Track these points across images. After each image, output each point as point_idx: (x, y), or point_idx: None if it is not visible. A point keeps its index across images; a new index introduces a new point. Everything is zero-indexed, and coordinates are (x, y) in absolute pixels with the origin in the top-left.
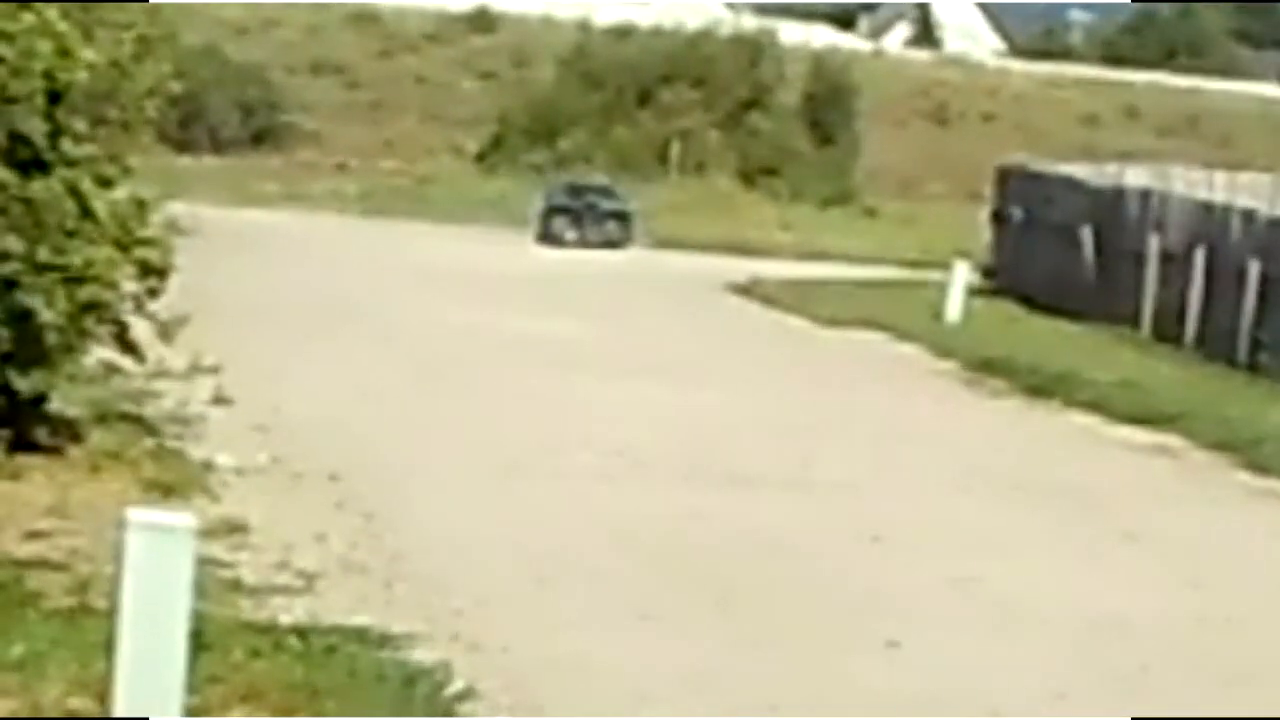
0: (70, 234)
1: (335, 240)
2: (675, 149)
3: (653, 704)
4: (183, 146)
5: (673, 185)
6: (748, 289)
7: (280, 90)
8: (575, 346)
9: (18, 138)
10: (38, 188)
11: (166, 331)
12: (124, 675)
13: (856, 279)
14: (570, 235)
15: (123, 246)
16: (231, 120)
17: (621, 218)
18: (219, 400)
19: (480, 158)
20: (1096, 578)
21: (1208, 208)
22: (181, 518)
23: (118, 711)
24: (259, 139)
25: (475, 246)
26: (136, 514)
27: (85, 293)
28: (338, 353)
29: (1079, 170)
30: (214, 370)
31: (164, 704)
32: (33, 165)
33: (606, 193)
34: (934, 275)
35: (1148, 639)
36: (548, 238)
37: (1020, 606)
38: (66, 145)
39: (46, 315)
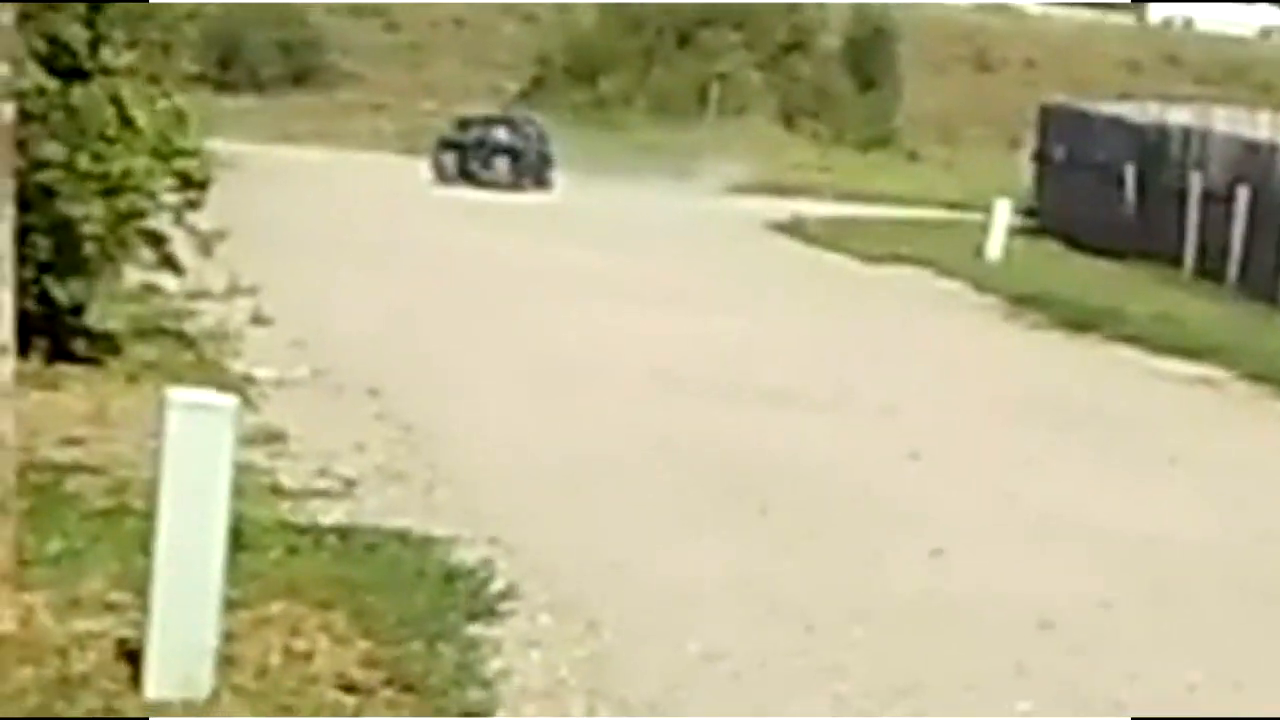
0: (110, 141)
1: (372, 176)
2: (715, 91)
3: (694, 605)
4: (222, 86)
5: (711, 126)
6: (789, 227)
7: (320, 31)
8: (614, 277)
9: (58, 44)
10: (78, 94)
11: (206, 245)
12: (163, 561)
13: (898, 219)
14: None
15: (162, 156)
16: (271, 60)
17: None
18: (257, 319)
19: (520, 98)
20: (1139, 496)
21: (1251, 146)
22: (222, 397)
23: (156, 601)
24: (299, 79)
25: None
26: (177, 392)
27: (124, 202)
28: (375, 279)
29: (1122, 109)
30: (252, 292)
31: (203, 591)
32: (73, 73)
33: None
34: (975, 216)
35: (1191, 554)
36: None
37: (1063, 521)
38: (107, 54)
39: (85, 224)
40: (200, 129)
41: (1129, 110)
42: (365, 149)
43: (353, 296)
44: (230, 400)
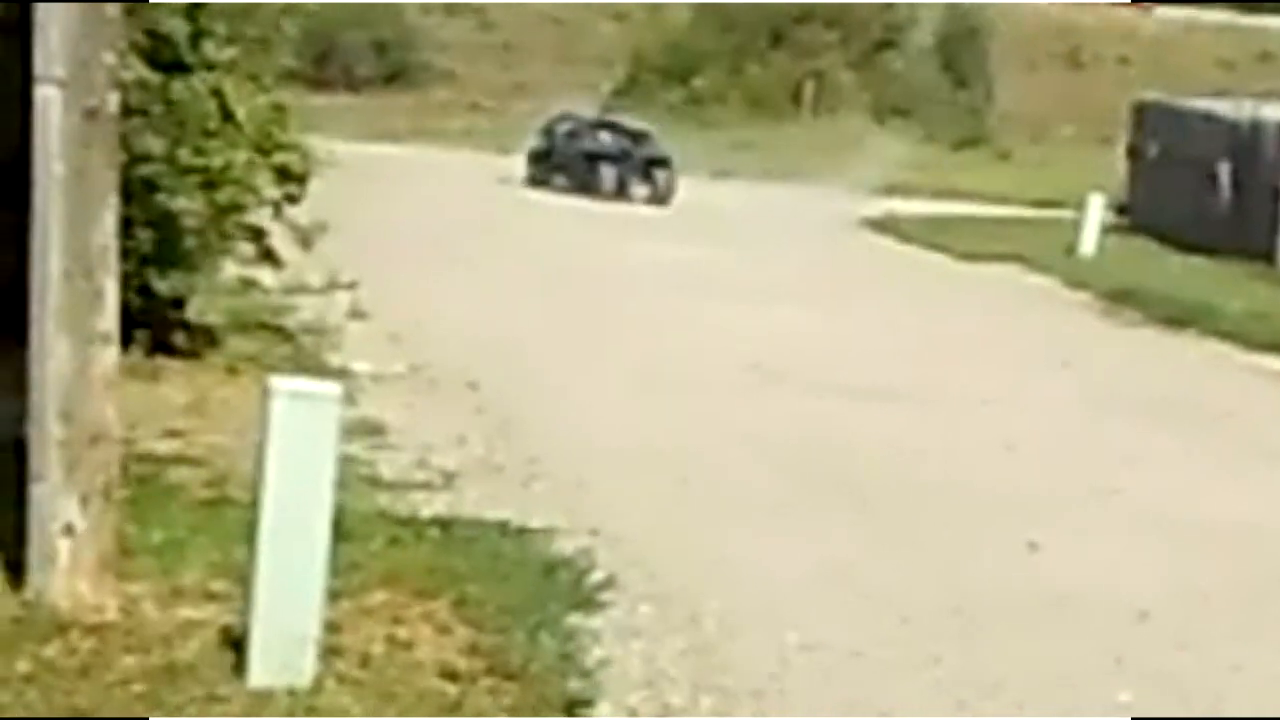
0: (210, 135)
1: (468, 174)
2: (808, 89)
3: (792, 597)
4: (317, 85)
5: (805, 125)
6: (882, 224)
7: (414, 30)
8: (710, 273)
9: (159, 39)
10: (179, 88)
11: (305, 239)
12: (265, 549)
13: (990, 216)
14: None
15: (262, 151)
16: (366, 59)
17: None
18: (355, 314)
19: (614, 97)
20: (1237, 489)
21: None
22: (326, 385)
23: (258, 589)
24: (393, 78)
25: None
26: (280, 381)
27: (224, 195)
28: (472, 275)
29: (1216, 105)
30: (350, 287)
31: (306, 580)
32: (174, 67)
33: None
34: (1067, 214)
35: None
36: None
37: (1161, 515)
38: (208, 48)
39: (186, 218)
40: (297, 125)
41: (1223, 106)
42: (460, 147)
43: (450, 293)
44: (333, 388)
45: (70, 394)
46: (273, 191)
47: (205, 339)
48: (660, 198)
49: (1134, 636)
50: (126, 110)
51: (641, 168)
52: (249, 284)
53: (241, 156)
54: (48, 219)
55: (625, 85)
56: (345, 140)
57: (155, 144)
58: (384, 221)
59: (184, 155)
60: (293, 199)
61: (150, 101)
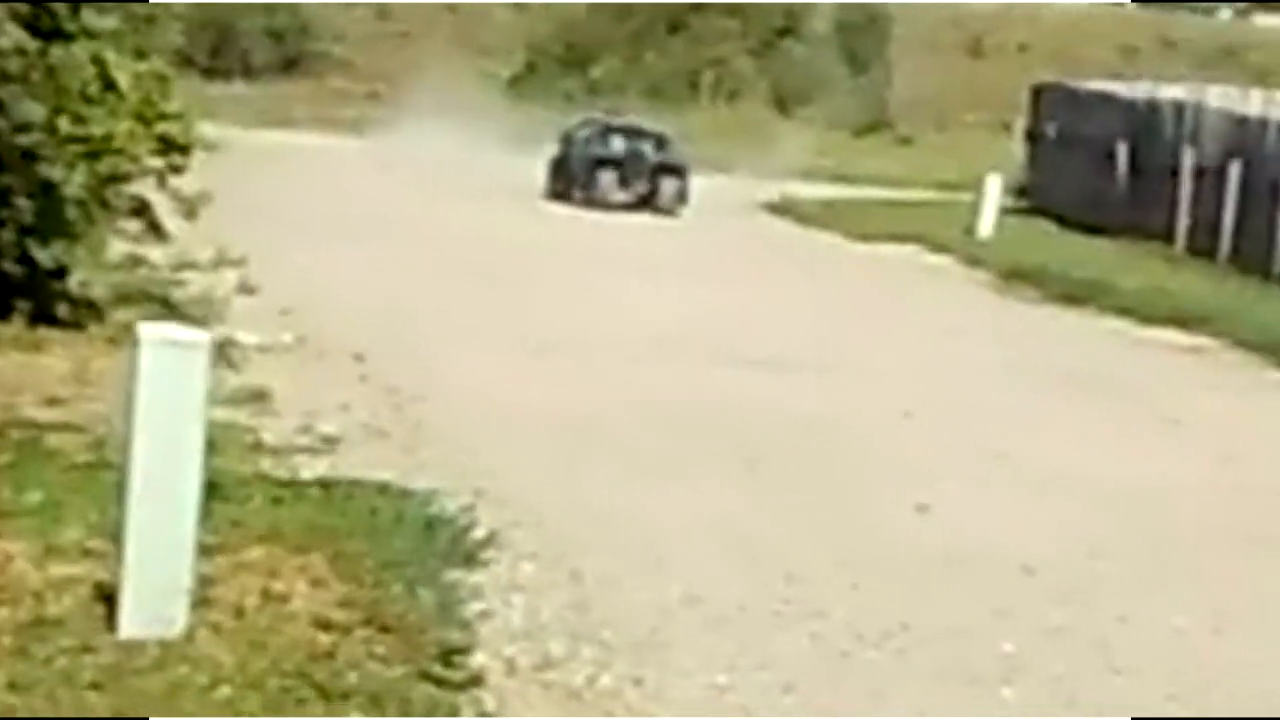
0: (91, 102)
1: (361, 159)
2: (708, 77)
3: (678, 554)
4: (212, 73)
5: (705, 112)
6: (782, 208)
7: (311, 18)
8: (606, 251)
9: (39, 5)
10: (59, 54)
11: (190, 210)
12: (136, 499)
13: (889, 200)
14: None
15: (145, 120)
16: (262, 47)
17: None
18: (244, 289)
19: (512, 85)
20: (1132, 454)
21: (1243, 121)
22: (195, 333)
23: (129, 539)
24: (289, 66)
25: (503, 161)
26: (148, 328)
27: (106, 165)
28: (364, 253)
29: (1113, 86)
30: (239, 263)
31: (178, 529)
32: (54, 34)
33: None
34: (967, 197)
35: (1180, 505)
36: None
37: (1055, 476)
38: (89, 16)
39: (67, 187)
40: (189, 107)
41: (1121, 87)
42: (357, 135)
43: (340, 271)
44: (203, 335)
45: None
46: (156, 162)
47: (89, 311)
48: (665, 207)
49: (1019, 591)
50: (4, 77)
51: (648, 174)
52: (136, 261)
53: (123, 126)
54: None
55: (523, 74)
56: (241, 127)
57: (35, 112)
58: (274, 202)
59: (64, 124)
60: (177, 169)
61: (29, 69)
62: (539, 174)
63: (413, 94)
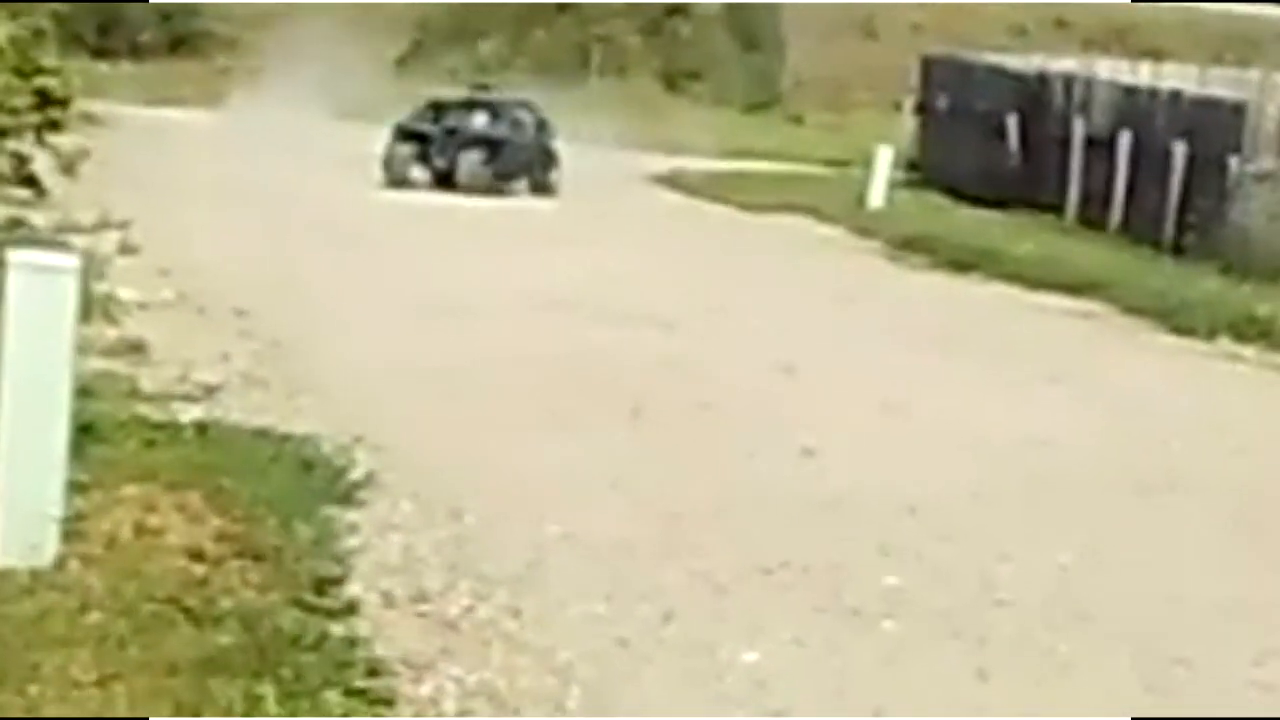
0: None
1: (245, 135)
2: (596, 54)
3: (557, 496)
4: (100, 53)
5: (593, 89)
6: (670, 180)
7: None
8: (494, 218)
9: None
10: None
11: (69, 165)
12: (5, 429)
13: (780, 174)
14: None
15: (22, 74)
16: (149, 27)
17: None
18: (125, 250)
19: (399, 63)
20: (1018, 407)
21: (1131, 91)
22: (65, 258)
23: None
24: (176, 45)
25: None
26: (17, 254)
27: None
28: (247, 220)
29: (1004, 59)
30: (122, 226)
31: (48, 458)
32: None
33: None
34: (858, 174)
35: (1067, 454)
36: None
37: (941, 427)
38: None
39: None
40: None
41: (1011, 60)
42: (239, 112)
43: (221, 235)
44: (72, 260)
45: None
46: (34, 117)
47: None
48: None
49: (902, 529)
50: None
51: (456, 148)
52: (17, 224)
53: (0, 80)
54: None
55: (410, 51)
56: (129, 104)
57: None
58: (158, 172)
59: None
60: (55, 125)
61: None
62: None
63: (297, 72)
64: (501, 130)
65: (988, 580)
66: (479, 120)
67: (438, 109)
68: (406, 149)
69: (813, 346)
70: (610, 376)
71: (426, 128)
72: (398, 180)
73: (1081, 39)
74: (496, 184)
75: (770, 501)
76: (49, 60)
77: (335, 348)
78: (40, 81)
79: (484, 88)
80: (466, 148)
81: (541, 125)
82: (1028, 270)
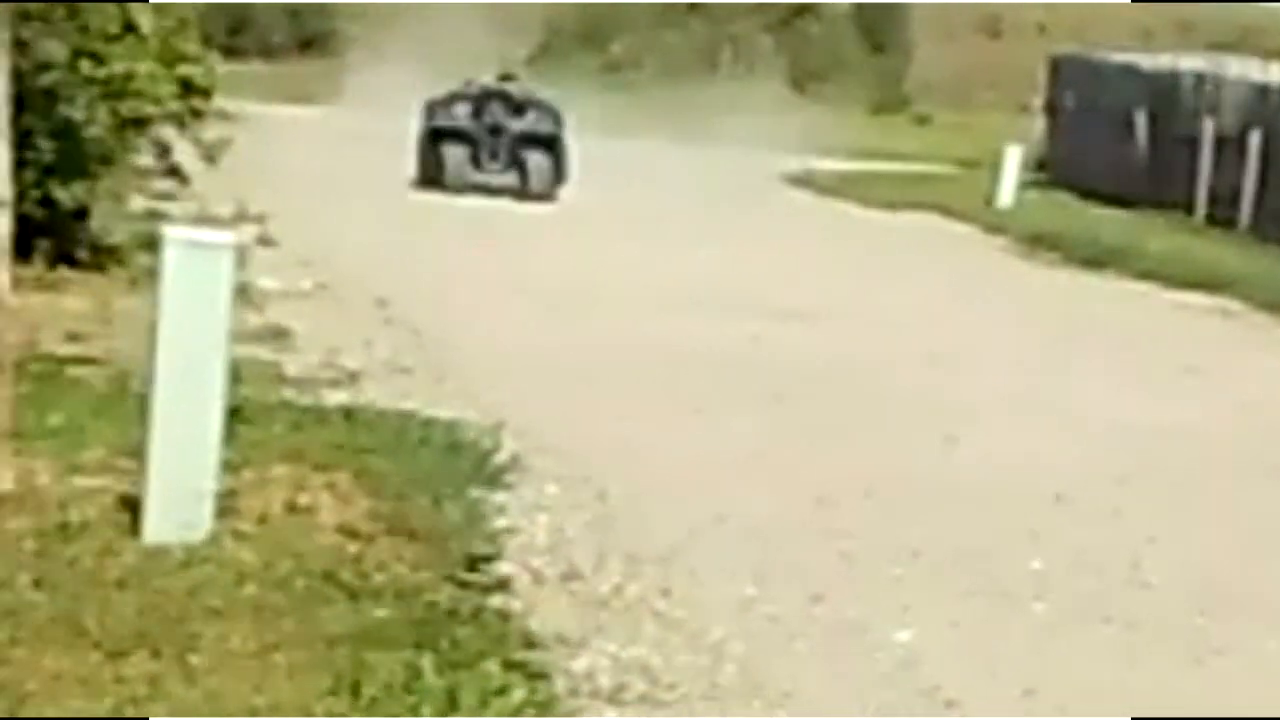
0: (113, 39)
1: (375, 133)
2: (725, 54)
3: (703, 479)
4: (230, 53)
5: (722, 89)
6: (802, 179)
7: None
8: (633, 221)
9: None
10: None
11: (210, 154)
12: (161, 404)
13: (908, 173)
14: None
15: (165, 61)
16: (280, 27)
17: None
18: (264, 241)
19: (529, 64)
20: (1155, 397)
21: (1263, 90)
22: (220, 235)
23: (154, 445)
24: (306, 45)
25: None
26: (174, 230)
27: (127, 106)
28: (379, 213)
29: (1133, 57)
30: (259, 219)
31: (203, 434)
32: None
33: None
34: (984, 173)
35: (1204, 443)
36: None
37: (1079, 415)
38: None
39: (89, 128)
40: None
41: (1140, 58)
42: (368, 110)
43: (357, 227)
44: (228, 237)
45: None
46: (177, 106)
47: (111, 257)
48: (532, 192)
49: (1048, 514)
50: (25, 16)
51: (507, 151)
52: (156, 215)
53: (144, 67)
54: None
55: (539, 52)
56: (259, 103)
57: (56, 51)
58: (293, 167)
59: (85, 65)
60: (197, 113)
61: (50, 8)
62: None
63: (425, 71)
64: (549, 127)
65: (1135, 564)
66: (527, 117)
67: (476, 103)
68: (459, 150)
69: (952, 336)
70: (751, 366)
71: (469, 125)
72: (456, 186)
73: (1207, 41)
74: (557, 188)
75: (916, 487)
76: (192, 48)
77: (475, 336)
78: (183, 70)
79: (510, 78)
80: (524, 147)
81: (556, 120)
82: (1159, 267)
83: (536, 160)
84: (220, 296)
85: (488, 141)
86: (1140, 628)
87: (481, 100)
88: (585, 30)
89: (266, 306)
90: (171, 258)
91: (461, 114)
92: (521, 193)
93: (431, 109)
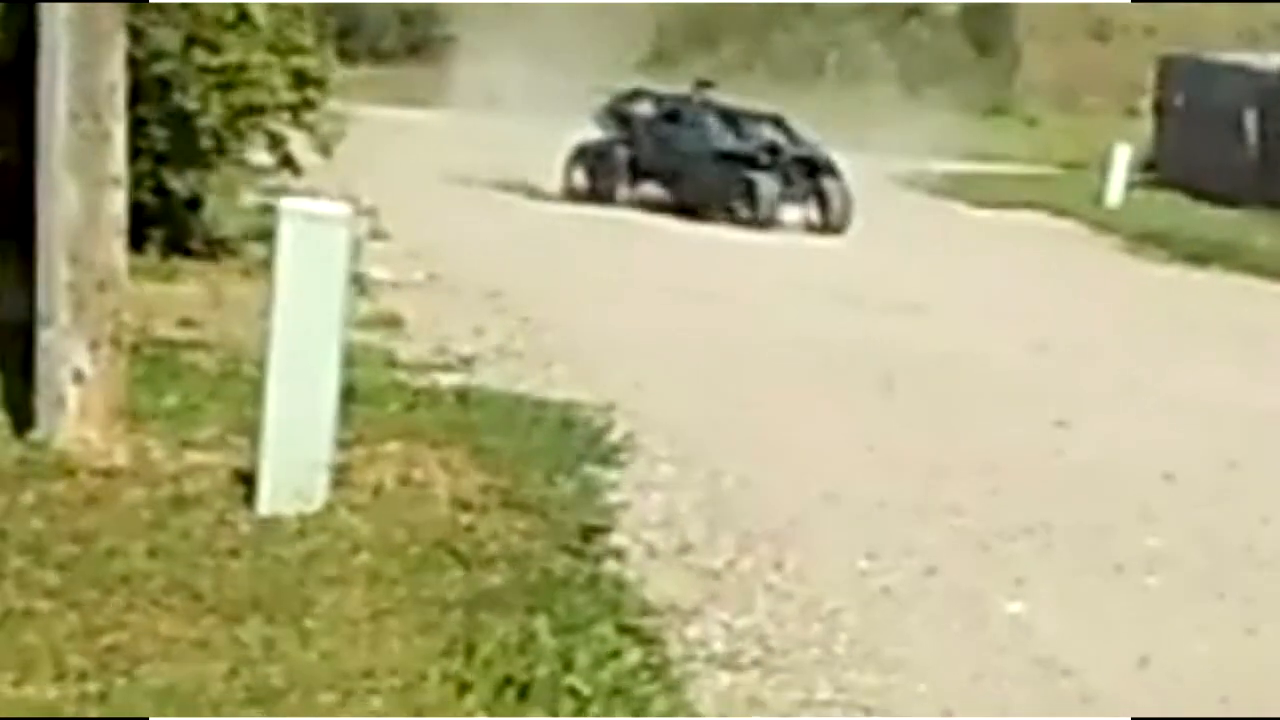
0: (227, 27)
1: (483, 135)
2: (833, 57)
3: (816, 460)
4: (341, 56)
5: (831, 92)
6: (911, 181)
7: (438, 3)
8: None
9: None
10: None
11: (325, 145)
12: (277, 376)
13: (1017, 174)
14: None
15: (279, 52)
16: (390, 31)
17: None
18: (376, 235)
19: (639, 68)
20: (1263, 386)
21: None
22: (337, 206)
23: (270, 415)
24: (416, 49)
25: None
26: (289, 201)
27: (240, 95)
28: (492, 210)
29: (1242, 56)
30: (371, 212)
31: (318, 404)
32: None
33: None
34: (1093, 175)
35: None
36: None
37: (1190, 401)
38: None
39: (202, 117)
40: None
41: (1249, 57)
42: (478, 114)
43: (463, 221)
44: (344, 209)
45: (78, 236)
46: (290, 96)
47: (224, 248)
48: (834, 224)
49: (1161, 494)
50: (140, 3)
51: (801, 177)
52: (268, 210)
53: (257, 57)
54: (55, 60)
55: (650, 57)
56: (368, 105)
57: (170, 39)
58: (403, 164)
59: (199, 53)
60: (311, 104)
61: None
62: None
63: (533, 76)
64: (820, 149)
65: (1251, 543)
66: (776, 135)
67: (732, 121)
68: (770, 180)
69: (1060, 327)
70: (862, 354)
71: (748, 148)
72: (765, 222)
73: None
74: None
75: (1028, 467)
76: (306, 40)
77: (585, 324)
78: (297, 61)
79: (707, 85)
80: (817, 173)
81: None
82: (1266, 262)
83: (834, 188)
84: (336, 269)
85: (779, 167)
86: (1256, 602)
87: (709, 114)
88: (694, 34)
89: (379, 295)
90: (288, 230)
91: (720, 131)
92: (823, 226)
93: (627, 120)
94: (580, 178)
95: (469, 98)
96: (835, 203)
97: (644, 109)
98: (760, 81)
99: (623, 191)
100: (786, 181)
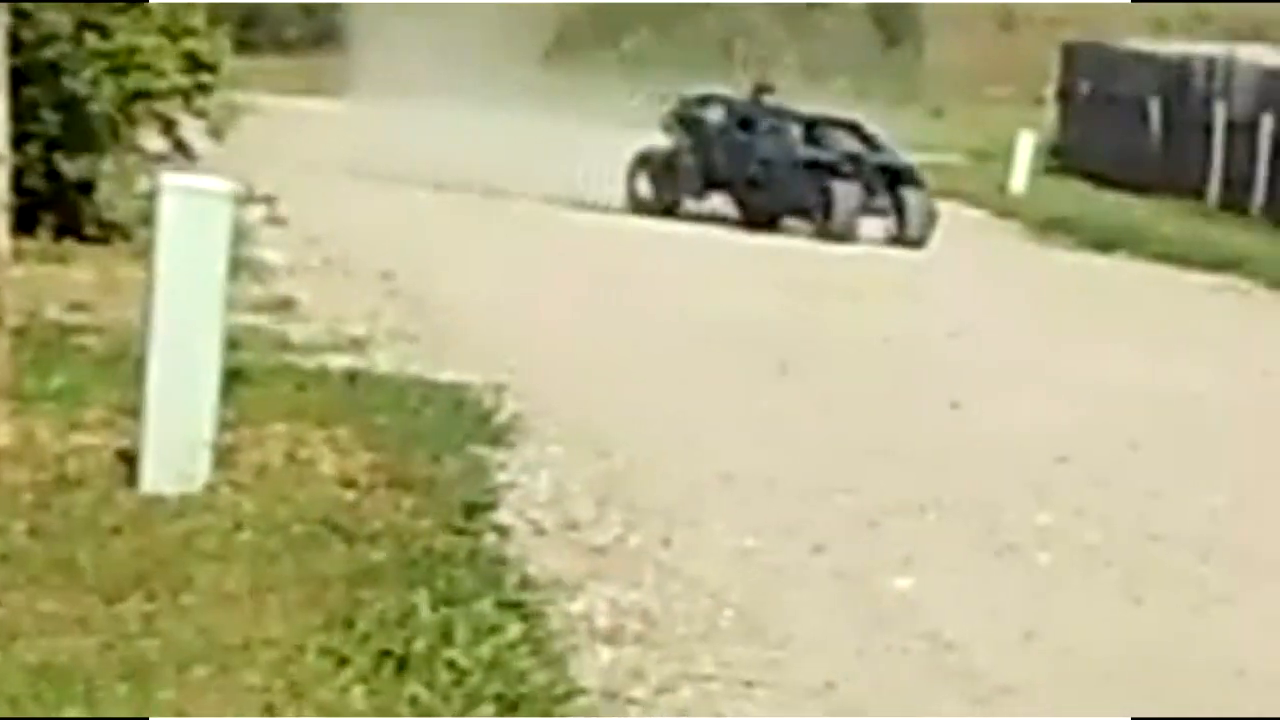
0: (117, 11)
1: (385, 122)
2: (739, 47)
3: (708, 438)
4: (244, 47)
5: (736, 85)
6: None
7: None
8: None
9: None
10: None
11: (218, 130)
12: (157, 353)
13: (923, 163)
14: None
15: (171, 36)
16: (294, 21)
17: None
18: (272, 220)
19: (544, 56)
20: (1164, 367)
21: (1274, 75)
22: (218, 181)
23: (151, 395)
24: (320, 40)
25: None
26: (170, 177)
27: (133, 80)
28: (394, 197)
29: (1146, 44)
30: (267, 199)
31: (199, 384)
32: None
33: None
34: (998, 163)
35: (1213, 409)
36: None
37: (1091, 383)
38: None
39: (94, 101)
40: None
41: (1153, 45)
42: (381, 102)
43: (360, 210)
44: (225, 184)
45: None
46: (182, 80)
47: (117, 232)
48: (914, 237)
49: (1054, 474)
50: None
51: (882, 187)
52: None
53: (149, 41)
54: None
55: (554, 47)
56: (270, 95)
57: (61, 23)
58: (304, 154)
59: (90, 38)
60: (204, 89)
61: None
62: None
63: (438, 65)
64: (889, 155)
65: (1141, 518)
66: (852, 142)
67: (809, 128)
68: (850, 189)
69: (966, 313)
70: (757, 334)
71: (829, 156)
72: (840, 235)
73: (1222, 33)
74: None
75: (921, 446)
76: (199, 23)
77: (482, 306)
78: (190, 44)
79: (766, 90)
80: (898, 183)
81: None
82: (1169, 249)
83: (916, 200)
84: (218, 245)
85: (861, 175)
86: (1143, 575)
87: (788, 120)
88: (598, 25)
89: (273, 280)
90: (169, 205)
91: (799, 138)
92: (900, 239)
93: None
94: (645, 187)
95: (374, 87)
96: (915, 215)
97: (715, 115)
98: (666, 72)
99: (689, 203)
100: (868, 191)
